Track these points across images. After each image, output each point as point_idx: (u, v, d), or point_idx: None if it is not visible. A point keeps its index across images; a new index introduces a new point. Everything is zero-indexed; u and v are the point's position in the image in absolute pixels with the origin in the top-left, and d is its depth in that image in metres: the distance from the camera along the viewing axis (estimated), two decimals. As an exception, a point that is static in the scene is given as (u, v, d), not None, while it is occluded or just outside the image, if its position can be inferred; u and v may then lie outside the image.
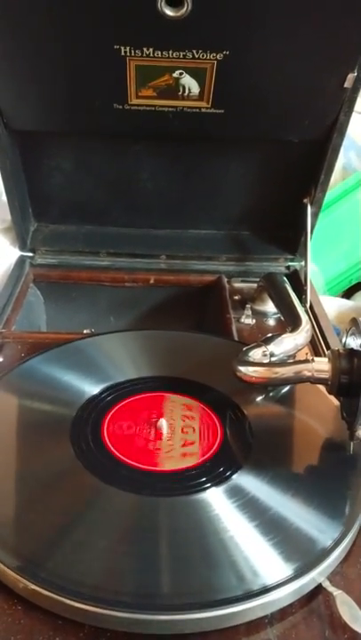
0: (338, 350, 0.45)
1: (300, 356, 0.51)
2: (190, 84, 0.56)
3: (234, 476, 0.41)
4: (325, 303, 0.71)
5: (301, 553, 0.36)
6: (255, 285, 0.68)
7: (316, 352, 0.59)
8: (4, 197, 0.70)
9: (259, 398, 0.50)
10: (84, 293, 0.74)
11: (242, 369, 0.47)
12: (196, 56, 0.54)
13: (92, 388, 0.49)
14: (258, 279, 0.67)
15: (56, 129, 0.65)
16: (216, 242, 0.76)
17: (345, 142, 0.65)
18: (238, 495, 0.40)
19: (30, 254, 0.74)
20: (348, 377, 0.43)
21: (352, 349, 0.44)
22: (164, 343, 0.58)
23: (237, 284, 0.72)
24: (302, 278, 0.70)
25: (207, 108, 0.59)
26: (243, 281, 0.72)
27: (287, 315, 0.57)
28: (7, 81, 0.59)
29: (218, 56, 0.54)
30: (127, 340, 0.58)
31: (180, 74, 0.56)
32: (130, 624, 0.32)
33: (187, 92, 0.57)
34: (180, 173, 0.71)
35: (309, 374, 0.45)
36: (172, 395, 0.49)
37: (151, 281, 0.73)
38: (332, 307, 0.82)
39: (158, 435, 0.45)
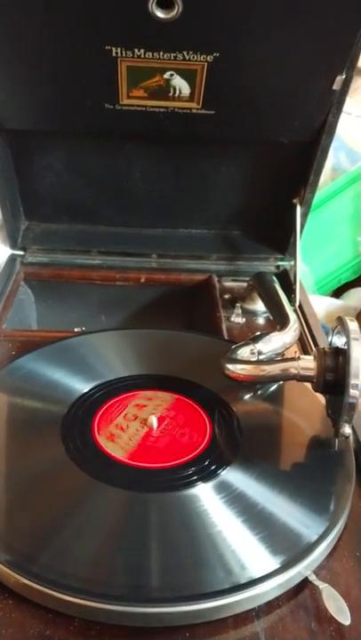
0: (323, 349, 0.45)
1: (290, 355, 0.52)
2: (181, 85, 0.57)
3: (222, 472, 0.42)
4: (315, 302, 0.72)
5: (288, 547, 0.37)
6: (245, 284, 0.69)
7: (305, 350, 0.60)
8: (-4, 196, 0.70)
9: (247, 396, 0.50)
10: (74, 292, 0.74)
11: (230, 367, 0.48)
12: (187, 57, 0.54)
13: (83, 386, 0.50)
14: (248, 278, 0.68)
15: (47, 128, 0.65)
16: (207, 241, 0.76)
17: (335, 143, 0.66)
18: (226, 491, 0.40)
19: (21, 253, 0.74)
20: (333, 375, 0.44)
21: (337, 348, 0.45)
22: (155, 342, 0.58)
23: (228, 283, 0.72)
24: (292, 277, 0.70)
25: (198, 108, 0.59)
26: (233, 280, 0.73)
27: (276, 314, 0.58)
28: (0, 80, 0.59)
29: (208, 58, 0.54)
30: (118, 339, 0.58)
31: (171, 75, 0.56)
32: (119, 617, 0.33)
33: (177, 92, 0.58)
34: (171, 173, 0.71)
35: (296, 372, 0.45)
36: (162, 392, 0.50)
37: (142, 280, 0.74)
38: (322, 306, 0.83)
39: (148, 431, 0.45)
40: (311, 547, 0.37)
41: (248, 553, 0.36)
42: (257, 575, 0.35)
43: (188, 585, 0.34)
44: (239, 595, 0.34)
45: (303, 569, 0.36)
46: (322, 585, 0.35)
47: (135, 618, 0.33)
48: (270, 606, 0.35)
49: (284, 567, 0.35)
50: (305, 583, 0.36)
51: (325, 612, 0.34)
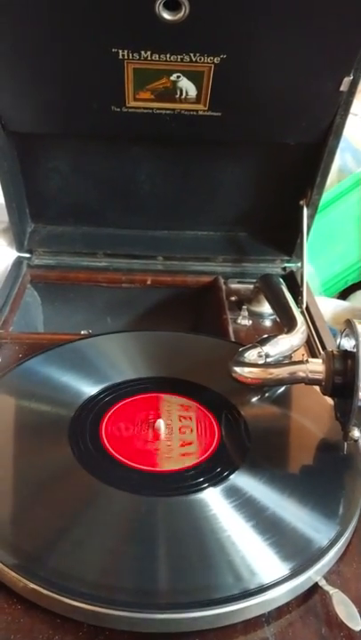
0: (332, 351, 0.45)
1: (297, 357, 0.51)
2: (188, 87, 0.57)
3: (231, 477, 0.41)
4: (321, 304, 0.72)
5: (298, 552, 0.36)
6: (252, 286, 0.69)
7: (313, 353, 0.60)
8: (2, 198, 0.70)
9: (255, 399, 0.50)
10: (81, 294, 0.74)
11: (237, 370, 0.47)
12: (194, 59, 0.54)
13: (90, 389, 0.50)
14: (254, 280, 0.68)
15: (54, 131, 0.65)
16: (213, 243, 0.76)
17: (341, 144, 0.65)
18: (235, 495, 0.40)
19: (28, 255, 0.74)
20: (341, 378, 0.44)
21: (346, 350, 0.44)
22: (162, 344, 0.58)
23: (234, 285, 0.72)
24: (299, 279, 0.70)
25: (204, 110, 0.59)
26: (239, 282, 0.73)
27: (283, 316, 0.58)
28: (5, 82, 0.59)
29: (215, 59, 0.54)
30: (124, 341, 0.58)
31: (178, 77, 0.56)
32: (128, 623, 0.33)
33: (184, 94, 0.57)
34: (178, 175, 0.71)
35: (304, 375, 0.45)
36: (169, 395, 0.50)
37: (148, 282, 0.73)
38: (329, 308, 0.83)
39: (156, 435, 0.45)
40: (322, 552, 0.36)
41: (258, 558, 0.36)
42: (267, 581, 0.34)
43: (198, 591, 0.34)
44: (249, 601, 0.33)
45: (313, 574, 0.36)
46: (332, 590, 0.35)
47: (144, 624, 0.33)
48: (280, 612, 0.35)
49: (295, 573, 0.35)
50: (315, 588, 0.36)
51: (336, 618, 0.34)
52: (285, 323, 0.56)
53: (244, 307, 0.67)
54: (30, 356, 0.54)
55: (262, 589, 0.34)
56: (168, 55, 0.54)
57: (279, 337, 0.52)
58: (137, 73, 0.56)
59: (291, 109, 0.60)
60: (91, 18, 0.52)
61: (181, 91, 0.57)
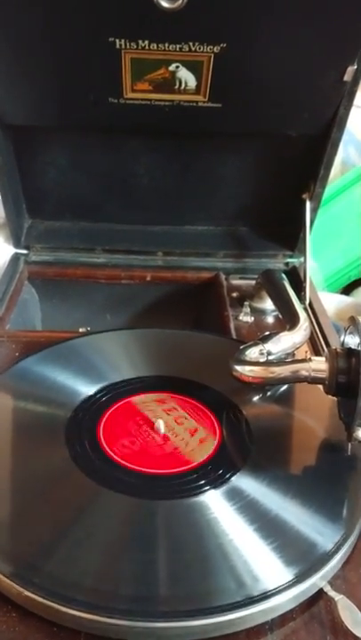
0: (335, 349, 0.44)
1: (300, 354, 0.50)
2: (187, 77, 0.55)
3: (232, 478, 0.40)
4: (325, 300, 0.71)
5: (302, 557, 0.35)
6: (253, 282, 0.68)
7: (316, 350, 0.59)
8: (-2, 194, 0.69)
9: (257, 398, 0.49)
10: (79, 291, 0.73)
11: (238, 368, 0.46)
12: (193, 49, 0.53)
13: (88, 389, 0.49)
14: (256, 276, 0.67)
15: (50, 124, 0.64)
16: (214, 238, 0.75)
17: (344, 137, 0.64)
18: (237, 498, 0.39)
19: (25, 251, 0.73)
20: (345, 377, 0.42)
21: (350, 349, 0.43)
22: (161, 342, 0.57)
23: (235, 281, 0.71)
24: (301, 275, 0.69)
25: (204, 101, 0.58)
26: (241, 278, 0.72)
27: (285, 312, 0.57)
28: (0, 75, 0.58)
29: (215, 49, 0.53)
30: (123, 339, 0.57)
31: (177, 67, 0.55)
32: (127, 632, 0.32)
33: (183, 85, 0.56)
34: (177, 169, 0.70)
35: (307, 374, 0.44)
36: (169, 394, 0.49)
37: (148, 278, 0.72)
38: (332, 303, 0.82)
39: (155, 435, 0.44)
40: (327, 556, 0.35)
41: (261, 564, 0.35)
42: (271, 587, 0.33)
43: (199, 598, 0.33)
44: (252, 608, 0.32)
45: (318, 580, 0.35)
46: (337, 596, 0.34)
47: (144, 633, 0.32)
48: (284, 619, 0.34)
49: (299, 578, 0.34)
50: (320, 594, 0.35)
51: (341, 625, 0.33)
52: (288, 319, 0.55)
53: (246, 303, 0.66)
54: (27, 355, 0.53)
55: (265, 596, 0.33)
56: (166, 44, 0.53)
57: (281, 334, 0.51)
58: (135, 63, 0.54)
59: (293, 100, 0.59)
60: (88, 6, 0.51)
61: (180, 81, 0.56)
